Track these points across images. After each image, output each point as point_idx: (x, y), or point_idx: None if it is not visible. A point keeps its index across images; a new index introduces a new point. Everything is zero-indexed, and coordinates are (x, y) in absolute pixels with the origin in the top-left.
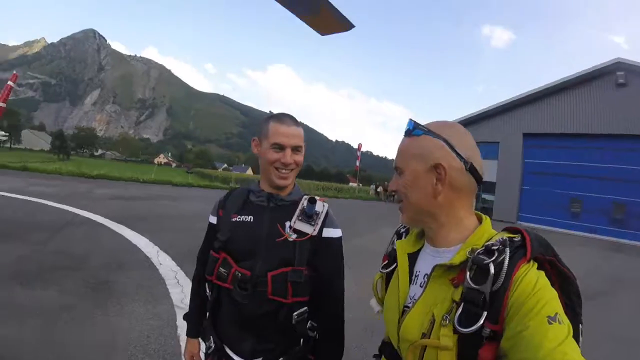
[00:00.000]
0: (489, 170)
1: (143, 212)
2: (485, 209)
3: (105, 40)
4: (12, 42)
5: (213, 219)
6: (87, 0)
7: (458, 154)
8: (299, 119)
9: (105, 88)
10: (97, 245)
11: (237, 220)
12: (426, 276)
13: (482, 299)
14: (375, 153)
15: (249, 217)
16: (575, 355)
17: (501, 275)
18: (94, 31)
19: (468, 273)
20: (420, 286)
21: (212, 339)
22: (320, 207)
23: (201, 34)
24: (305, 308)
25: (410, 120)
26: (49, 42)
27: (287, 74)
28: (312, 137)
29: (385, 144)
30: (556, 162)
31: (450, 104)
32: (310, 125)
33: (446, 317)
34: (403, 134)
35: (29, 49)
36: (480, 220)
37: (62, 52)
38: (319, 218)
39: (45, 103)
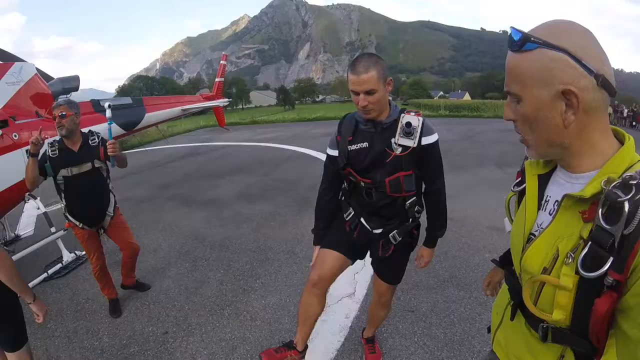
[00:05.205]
0: None
1: None
2: None
3: None
4: (219, 26)
5: (334, 152)
6: None
7: (587, 68)
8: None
9: (314, 41)
10: (307, 173)
11: (355, 148)
12: (556, 203)
13: (610, 242)
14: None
15: (364, 143)
16: None
17: (636, 217)
18: None
19: (600, 209)
20: (550, 214)
21: (350, 209)
22: (416, 121)
23: None
24: (414, 198)
25: (515, 29)
26: (251, 16)
27: None
28: None
29: (619, 51)
30: None
31: None
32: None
33: (570, 255)
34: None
35: (236, 27)
36: (621, 141)
37: (266, 20)
38: (416, 131)
39: (265, 66)
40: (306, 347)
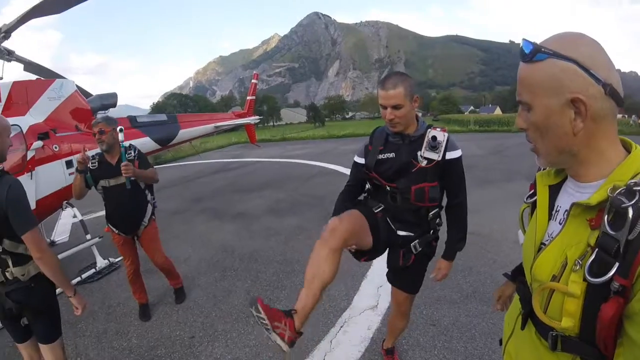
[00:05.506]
0: None
1: None
2: None
3: (330, 17)
4: (251, 46)
5: (361, 160)
6: None
7: (595, 77)
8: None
9: (343, 58)
10: (334, 188)
11: (382, 157)
12: (566, 213)
13: (615, 248)
14: None
15: (392, 154)
16: None
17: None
18: (316, 13)
19: (606, 216)
20: (559, 223)
21: (380, 204)
22: (442, 137)
23: None
24: (437, 209)
25: (526, 40)
26: (282, 35)
27: None
28: None
29: None
30: None
31: None
32: None
33: (578, 262)
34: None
35: (267, 46)
36: (628, 150)
37: (296, 39)
38: (442, 146)
39: (295, 84)
40: (301, 333)
